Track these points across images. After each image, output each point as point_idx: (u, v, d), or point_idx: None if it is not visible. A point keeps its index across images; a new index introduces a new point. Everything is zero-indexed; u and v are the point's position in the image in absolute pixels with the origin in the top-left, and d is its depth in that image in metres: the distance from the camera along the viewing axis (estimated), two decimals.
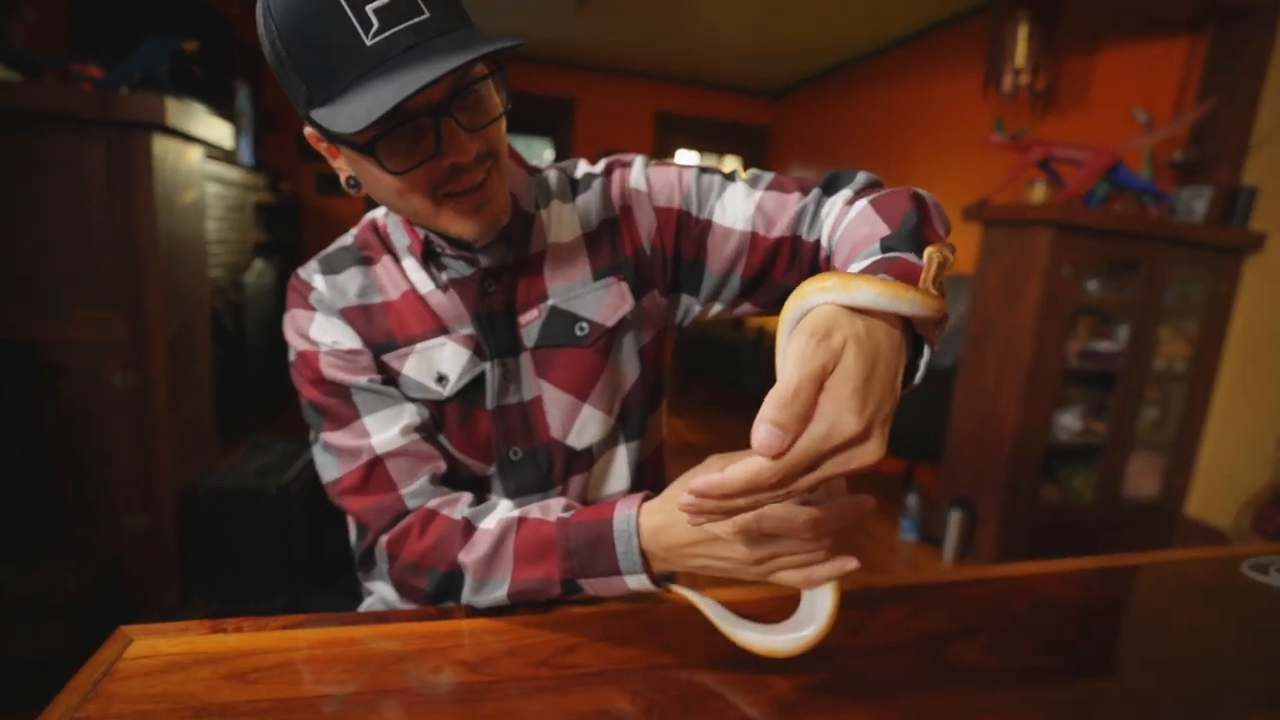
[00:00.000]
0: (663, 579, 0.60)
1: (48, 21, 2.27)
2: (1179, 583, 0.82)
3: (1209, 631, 0.70)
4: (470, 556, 0.62)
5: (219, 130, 1.82)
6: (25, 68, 1.50)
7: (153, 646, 0.55)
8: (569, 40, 4.78)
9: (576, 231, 0.73)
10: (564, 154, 5.39)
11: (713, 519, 0.42)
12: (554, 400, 0.71)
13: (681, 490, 0.51)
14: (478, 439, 0.71)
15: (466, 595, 0.63)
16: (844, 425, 0.36)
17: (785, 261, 0.71)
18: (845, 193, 0.66)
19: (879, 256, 0.48)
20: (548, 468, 0.73)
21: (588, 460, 0.74)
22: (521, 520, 0.63)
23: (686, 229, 0.73)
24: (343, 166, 0.62)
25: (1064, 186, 2.31)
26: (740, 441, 0.41)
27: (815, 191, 0.69)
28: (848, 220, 0.59)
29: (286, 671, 0.53)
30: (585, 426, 0.73)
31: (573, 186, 0.76)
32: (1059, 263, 2.16)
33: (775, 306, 0.75)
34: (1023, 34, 2.86)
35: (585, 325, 0.71)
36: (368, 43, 0.50)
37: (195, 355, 1.86)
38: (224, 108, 3.67)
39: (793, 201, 0.70)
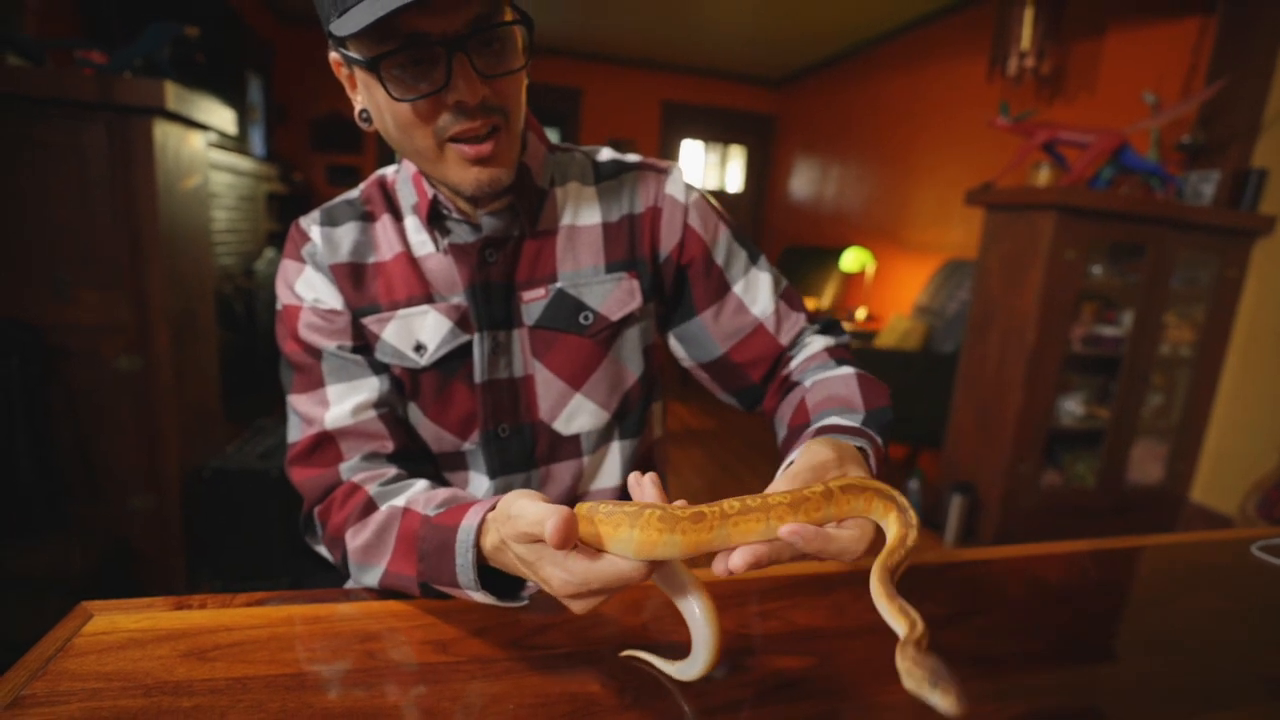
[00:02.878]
0: (512, 592, 0.55)
1: (56, 6, 2.30)
2: (1185, 565, 0.79)
3: (1217, 615, 0.67)
4: (354, 542, 0.61)
5: (221, 116, 1.84)
6: (28, 53, 1.53)
7: (112, 622, 0.53)
8: (575, 30, 4.78)
9: (595, 218, 0.72)
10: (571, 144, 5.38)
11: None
12: (546, 383, 0.71)
13: (533, 512, 0.43)
14: (454, 412, 0.71)
15: (353, 576, 0.62)
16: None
17: (768, 366, 0.75)
18: (829, 339, 0.75)
19: (858, 426, 0.58)
20: (531, 447, 0.73)
21: (574, 448, 0.74)
22: (405, 511, 0.60)
23: (703, 270, 0.74)
24: (358, 98, 0.62)
25: (1069, 170, 2.28)
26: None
27: (816, 325, 0.77)
28: (831, 373, 0.68)
29: (248, 649, 0.51)
30: (575, 414, 0.72)
31: (596, 170, 0.75)
32: (1063, 246, 2.13)
33: (726, 394, 0.80)
34: (1028, 17, 2.82)
35: (590, 315, 0.71)
36: None
37: (200, 339, 1.89)
38: (235, 99, 3.70)
39: (799, 320, 0.76)
